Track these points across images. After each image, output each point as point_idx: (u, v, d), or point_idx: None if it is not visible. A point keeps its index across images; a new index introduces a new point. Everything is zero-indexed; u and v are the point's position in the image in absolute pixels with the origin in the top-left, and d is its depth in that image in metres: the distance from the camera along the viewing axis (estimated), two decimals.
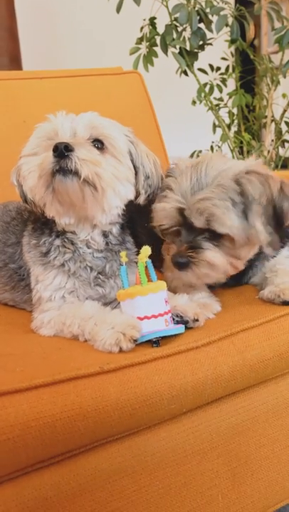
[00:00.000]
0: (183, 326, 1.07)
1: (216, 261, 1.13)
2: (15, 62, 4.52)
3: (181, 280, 1.18)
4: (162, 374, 0.96)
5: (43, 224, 1.21)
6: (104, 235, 1.20)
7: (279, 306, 1.16)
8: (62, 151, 1.04)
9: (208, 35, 2.57)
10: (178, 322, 1.08)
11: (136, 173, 1.18)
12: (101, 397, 0.90)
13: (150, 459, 0.98)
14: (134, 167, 1.18)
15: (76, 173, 1.06)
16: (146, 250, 1.07)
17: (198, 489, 1.04)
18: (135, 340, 0.99)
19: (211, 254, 1.12)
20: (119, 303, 1.09)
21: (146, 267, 1.07)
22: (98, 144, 1.13)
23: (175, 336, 1.05)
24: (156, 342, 1.02)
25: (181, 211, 1.14)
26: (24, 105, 1.84)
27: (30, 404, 0.85)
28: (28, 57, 4.29)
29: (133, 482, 0.97)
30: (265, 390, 1.12)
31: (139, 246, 1.62)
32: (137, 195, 1.20)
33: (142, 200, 1.21)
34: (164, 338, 1.03)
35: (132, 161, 1.18)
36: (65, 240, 1.18)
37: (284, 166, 2.87)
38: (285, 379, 1.15)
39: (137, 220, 1.66)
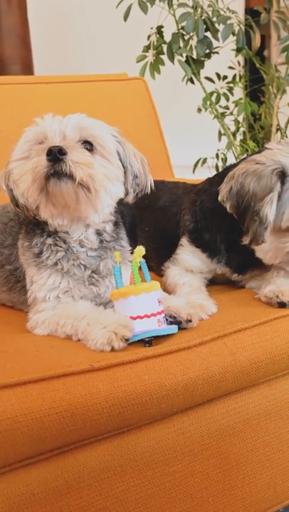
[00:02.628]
0: (176, 326, 1.07)
1: None
2: (27, 69, 4.56)
3: None
4: (153, 373, 0.96)
5: (34, 225, 1.21)
6: (98, 233, 1.21)
7: (273, 309, 1.16)
8: (56, 155, 1.06)
9: (215, 43, 2.58)
10: (171, 322, 1.09)
11: (124, 173, 1.20)
12: (90, 394, 0.90)
13: (139, 459, 0.98)
14: (123, 166, 1.20)
15: (71, 177, 1.07)
16: (140, 250, 1.08)
17: (188, 491, 1.03)
18: (127, 340, 0.99)
19: None
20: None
21: (140, 266, 1.08)
22: (87, 145, 1.14)
23: (168, 335, 1.05)
24: (148, 342, 1.02)
25: None
26: (29, 109, 1.86)
27: (18, 400, 0.86)
28: (40, 64, 4.34)
29: (121, 481, 0.96)
30: (257, 393, 1.12)
31: None
32: (126, 193, 1.22)
33: (130, 198, 1.23)
34: (156, 337, 1.03)
35: (121, 160, 1.20)
36: (57, 239, 1.18)
37: None
38: (278, 382, 1.14)
39: (137, 224, 1.67)
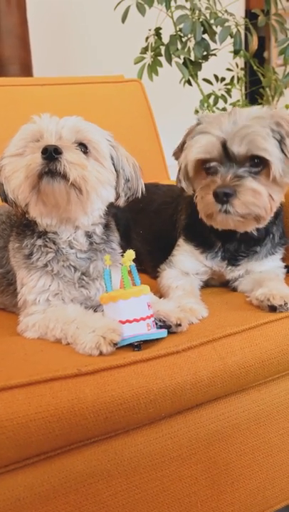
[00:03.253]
0: (165, 330, 1.07)
1: (259, 189, 1.19)
2: (26, 70, 4.56)
3: (224, 221, 1.22)
4: (140, 378, 0.96)
5: (25, 226, 1.21)
6: (88, 235, 1.21)
7: (263, 313, 1.16)
8: (51, 154, 1.06)
9: (213, 45, 2.58)
10: (161, 326, 1.08)
11: (117, 176, 1.21)
12: (77, 399, 0.90)
13: (127, 464, 0.98)
14: (115, 170, 1.20)
15: (64, 176, 1.07)
16: (130, 254, 1.08)
17: (176, 496, 1.03)
18: (115, 344, 0.99)
19: (255, 182, 1.19)
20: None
21: (129, 270, 1.08)
22: (82, 147, 1.14)
23: (157, 340, 1.05)
24: (137, 346, 1.02)
25: (223, 142, 1.20)
26: (25, 111, 1.83)
27: (4, 405, 0.86)
28: (39, 65, 4.33)
29: (108, 486, 0.96)
30: (247, 398, 1.11)
31: None
32: (117, 197, 1.22)
33: (121, 202, 1.23)
34: (145, 342, 1.03)
35: (113, 164, 1.20)
36: (47, 240, 1.18)
37: None
38: (268, 386, 1.14)
39: (132, 227, 1.67)
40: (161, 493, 1.02)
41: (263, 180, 1.21)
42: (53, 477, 0.91)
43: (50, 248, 1.18)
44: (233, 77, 2.91)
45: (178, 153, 1.37)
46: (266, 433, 1.14)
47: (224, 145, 1.20)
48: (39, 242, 1.19)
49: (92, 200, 1.14)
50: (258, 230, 1.31)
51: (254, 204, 1.19)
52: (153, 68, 2.67)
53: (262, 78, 2.69)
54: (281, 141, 1.21)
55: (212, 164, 1.23)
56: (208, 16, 2.54)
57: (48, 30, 4.44)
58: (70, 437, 0.91)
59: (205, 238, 1.38)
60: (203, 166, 1.26)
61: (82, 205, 1.13)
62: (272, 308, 1.17)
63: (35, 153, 1.08)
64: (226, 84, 2.88)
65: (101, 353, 0.98)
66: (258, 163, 1.20)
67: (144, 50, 2.69)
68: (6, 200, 1.18)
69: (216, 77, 2.88)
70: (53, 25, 4.50)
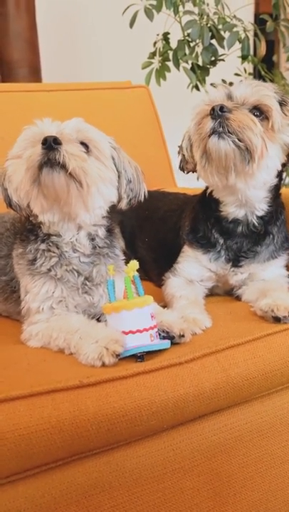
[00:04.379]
0: (168, 341, 1.07)
1: (255, 120, 1.20)
2: (35, 73, 4.58)
3: (217, 146, 1.21)
4: (143, 389, 0.96)
5: (28, 231, 1.22)
6: (91, 238, 1.22)
7: (268, 324, 1.16)
8: (50, 144, 1.08)
9: (221, 51, 2.58)
10: (164, 337, 1.08)
11: (118, 177, 1.22)
12: (78, 411, 0.90)
13: (128, 475, 0.98)
14: (117, 171, 1.22)
15: (63, 167, 1.09)
16: (134, 264, 1.07)
17: (178, 507, 1.03)
18: (118, 355, 0.99)
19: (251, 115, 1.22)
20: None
21: (133, 280, 1.08)
22: (83, 147, 1.15)
23: (160, 351, 1.04)
24: (140, 357, 1.02)
25: (228, 94, 1.26)
26: (31, 117, 1.85)
27: (6, 416, 0.86)
28: (48, 68, 4.35)
29: (110, 498, 0.96)
30: (250, 409, 1.11)
31: (137, 260, 1.63)
32: (119, 199, 1.23)
33: (124, 204, 1.24)
34: (148, 353, 1.03)
35: (115, 165, 1.21)
36: (50, 244, 1.19)
37: None
38: (271, 398, 1.13)
39: (137, 235, 1.68)
40: (162, 505, 1.01)
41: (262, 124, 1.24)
42: (54, 488, 0.91)
43: (54, 252, 1.19)
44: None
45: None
46: (269, 445, 1.13)
47: (229, 96, 1.25)
48: (42, 246, 1.19)
49: (93, 194, 1.14)
50: (258, 222, 1.34)
51: (249, 127, 1.20)
52: (161, 73, 2.67)
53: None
54: (281, 103, 1.26)
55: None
56: (216, 21, 2.54)
57: (56, 34, 4.45)
58: (71, 449, 0.91)
59: (208, 238, 1.38)
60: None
61: (83, 199, 1.13)
62: (277, 319, 1.16)
63: (36, 147, 1.10)
64: (212, 85, 2.87)
65: (104, 364, 0.98)
66: (258, 115, 1.23)
67: (152, 55, 2.69)
68: (10, 205, 1.19)
69: (224, 82, 2.87)
70: (61, 28, 4.51)
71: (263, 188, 1.32)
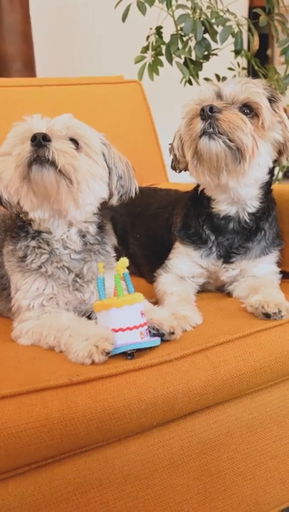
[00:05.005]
0: (159, 338, 1.07)
1: (245, 119, 1.21)
2: (29, 66, 4.55)
3: (208, 147, 1.21)
4: (132, 387, 0.96)
5: (19, 228, 1.22)
6: (82, 234, 1.22)
7: (258, 321, 1.16)
8: (39, 141, 1.08)
9: (214, 45, 2.57)
10: (154, 335, 1.08)
11: (109, 174, 1.22)
12: (68, 409, 0.90)
13: (118, 472, 0.98)
14: (108, 167, 1.22)
15: (53, 164, 1.09)
16: (124, 262, 1.08)
17: (168, 503, 1.04)
18: (108, 353, 0.99)
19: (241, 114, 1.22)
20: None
21: (123, 278, 1.08)
22: (73, 143, 1.15)
23: (150, 348, 1.05)
24: (130, 354, 1.02)
25: (217, 92, 1.26)
26: (24, 112, 1.84)
27: None
28: (42, 62, 4.33)
29: (100, 495, 0.97)
30: (239, 406, 1.12)
31: (129, 256, 1.63)
32: (110, 195, 1.23)
33: (114, 200, 1.24)
34: (138, 350, 1.03)
35: (106, 161, 1.21)
36: (41, 241, 1.19)
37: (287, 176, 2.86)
38: (261, 394, 1.14)
39: (129, 232, 1.68)
40: (152, 501, 1.02)
41: (251, 122, 1.24)
42: (44, 486, 0.92)
43: (44, 249, 1.19)
44: (234, 77, 2.89)
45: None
46: (259, 440, 1.14)
47: (219, 94, 1.25)
48: (33, 243, 1.19)
49: (83, 191, 1.14)
50: (250, 219, 1.35)
51: (239, 127, 1.20)
52: (154, 68, 2.65)
53: (262, 78, 2.67)
54: (270, 99, 1.27)
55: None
56: (209, 15, 2.52)
57: (50, 27, 4.43)
58: (61, 447, 0.91)
59: (199, 234, 1.38)
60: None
61: (73, 196, 1.13)
62: (267, 316, 1.17)
63: (25, 144, 1.10)
64: (206, 79, 2.86)
65: (93, 362, 0.99)
66: (248, 113, 1.24)
67: (145, 49, 2.67)
68: (1, 202, 1.19)
69: (217, 76, 2.86)
70: (55, 21, 4.49)
71: (254, 185, 1.32)
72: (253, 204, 1.34)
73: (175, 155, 1.38)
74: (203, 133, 1.20)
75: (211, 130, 1.19)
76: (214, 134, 1.19)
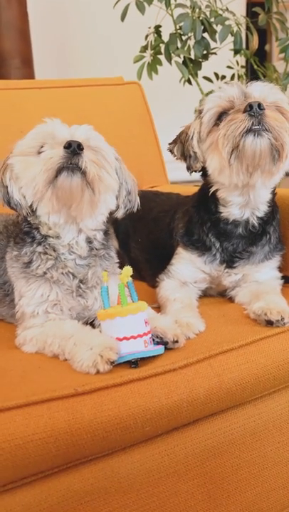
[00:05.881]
0: (162, 346, 1.08)
1: (284, 119, 1.23)
2: (27, 63, 4.54)
3: (253, 146, 1.20)
4: (137, 397, 0.97)
5: (24, 234, 1.22)
6: (89, 241, 1.23)
7: (260, 328, 1.17)
8: (75, 149, 1.09)
9: (213, 44, 2.56)
10: (158, 343, 1.09)
11: (119, 188, 1.23)
12: (74, 419, 0.91)
13: (124, 481, 0.99)
14: (119, 182, 1.23)
15: (84, 173, 1.10)
16: (128, 270, 1.08)
17: (172, 510, 1.05)
18: (112, 362, 1.00)
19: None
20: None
21: (127, 286, 1.08)
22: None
23: (154, 356, 1.05)
24: (134, 363, 1.03)
25: (243, 92, 1.26)
26: (22, 115, 1.85)
27: (2, 426, 0.87)
28: (39, 58, 4.31)
29: (105, 503, 0.97)
30: (243, 413, 1.12)
31: (131, 260, 1.64)
32: (117, 208, 1.25)
33: (120, 213, 1.26)
34: (142, 359, 1.04)
35: (117, 175, 1.23)
36: (47, 247, 1.19)
37: None
38: (264, 401, 1.15)
39: (130, 235, 1.68)
40: (157, 509, 1.03)
41: None
42: (51, 496, 0.93)
43: (50, 255, 1.19)
44: (233, 75, 2.89)
45: (173, 145, 1.41)
46: (262, 447, 1.15)
47: (245, 95, 1.25)
48: (39, 248, 1.20)
49: (101, 202, 1.17)
50: (257, 222, 1.35)
51: (282, 126, 1.21)
52: (153, 67, 2.65)
53: (262, 78, 2.67)
54: None
55: (231, 112, 1.24)
56: (208, 14, 2.52)
57: (48, 24, 4.41)
58: (66, 457, 0.92)
59: (203, 241, 1.39)
60: (217, 121, 1.28)
61: (92, 206, 1.16)
62: (269, 323, 1.17)
63: (56, 149, 1.11)
64: (226, 83, 2.86)
65: (98, 372, 0.99)
66: None
67: (144, 48, 2.67)
68: (8, 203, 1.18)
69: (216, 75, 2.86)
70: (53, 18, 4.47)
71: (271, 188, 1.34)
72: (263, 208, 1.35)
73: (195, 153, 1.34)
74: (249, 129, 1.19)
75: (259, 127, 1.19)
76: (262, 130, 1.19)
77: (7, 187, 1.18)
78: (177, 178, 2.08)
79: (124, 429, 0.95)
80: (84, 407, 0.93)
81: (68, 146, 1.09)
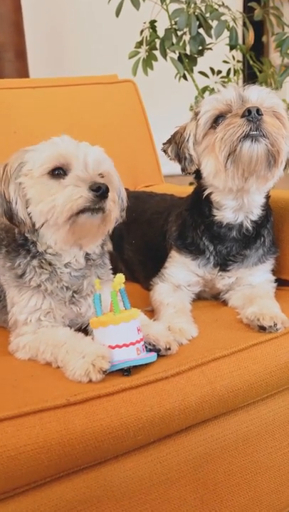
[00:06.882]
0: (155, 354, 1.08)
1: (281, 125, 1.24)
2: (20, 56, 4.50)
3: (250, 152, 1.20)
4: (129, 406, 0.97)
5: (18, 246, 1.20)
6: (87, 254, 1.23)
7: (253, 334, 1.17)
8: (104, 193, 1.09)
9: (208, 40, 2.54)
10: (150, 350, 1.09)
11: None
12: (66, 430, 0.91)
13: (116, 489, 1.00)
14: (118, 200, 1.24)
15: (102, 210, 1.11)
16: (120, 278, 1.08)
17: None
18: (105, 371, 1.00)
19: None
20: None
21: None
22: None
23: (147, 364, 1.05)
24: (127, 370, 1.03)
25: (240, 96, 1.25)
26: (15, 115, 1.84)
27: None
28: (33, 51, 4.28)
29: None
30: (235, 419, 1.13)
31: (124, 262, 1.64)
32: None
33: (110, 228, 1.24)
34: (135, 366, 1.04)
35: (118, 195, 1.23)
36: (43, 261, 1.18)
37: None
38: (256, 407, 1.15)
39: (124, 237, 1.68)
40: None
41: None
42: (44, 505, 0.93)
43: (46, 269, 1.18)
44: (229, 70, 2.87)
45: (168, 146, 1.40)
46: (254, 452, 1.15)
47: (242, 98, 1.25)
48: (34, 262, 1.18)
49: (109, 230, 1.20)
50: (251, 226, 1.35)
51: (279, 131, 1.21)
52: (148, 63, 2.63)
53: (258, 74, 2.66)
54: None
55: (228, 115, 1.24)
56: (203, 9, 2.50)
57: (42, 16, 4.38)
58: (59, 467, 0.93)
59: (197, 245, 1.38)
60: (213, 124, 1.28)
61: (102, 235, 1.20)
62: (262, 329, 1.18)
63: (81, 187, 1.09)
64: (222, 77, 2.85)
65: (90, 381, 0.99)
66: None
67: (139, 44, 2.64)
68: (10, 219, 1.16)
69: (212, 70, 2.84)
70: (47, 10, 4.43)
71: (264, 193, 1.34)
72: (257, 212, 1.35)
73: (191, 155, 1.33)
74: (247, 135, 1.19)
75: (256, 133, 1.18)
76: (259, 136, 1.19)
77: (10, 203, 1.14)
78: (172, 171, 2.08)
79: (117, 438, 0.95)
80: (76, 417, 0.93)
81: (97, 189, 1.08)
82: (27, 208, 1.14)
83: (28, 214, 1.14)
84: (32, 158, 1.15)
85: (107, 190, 1.09)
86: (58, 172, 1.12)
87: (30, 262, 1.19)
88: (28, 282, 1.18)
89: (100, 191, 1.08)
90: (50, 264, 1.19)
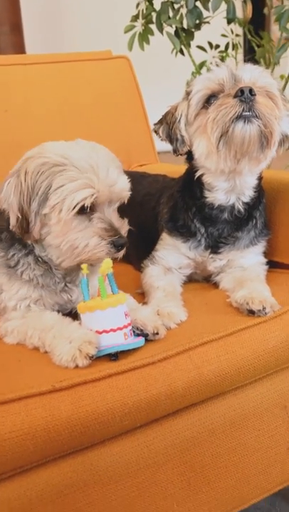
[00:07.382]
0: (143, 338, 1.08)
1: (274, 105, 1.22)
2: (16, 30, 4.44)
3: (243, 132, 1.18)
4: (115, 392, 0.97)
5: (14, 239, 1.18)
6: None
7: (241, 318, 1.17)
8: (119, 243, 1.14)
9: (206, 13, 2.49)
10: (138, 334, 1.09)
11: None
12: (51, 416, 0.92)
13: (103, 473, 1.00)
14: None
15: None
16: (108, 263, 1.07)
17: (152, 499, 1.06)
18: (91, 357, 1.00)
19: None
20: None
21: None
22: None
23: (134, 349, 1.05)
24: (114, 355, 1.03)
25: (233, 75, 1.23)
26: (7, 93, 1.82)
27: None
28: (29, 25, 4.22)
29: (85, 496, 0.99)
30: (222, 403, 1.13)
31: None
32: None
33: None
34: (122, 351, 1.04)
35: None
36: (39, 259, 1.17)
37: None
38: (244, 391, 1.15)
39: None
40: (137, 498, 1.05)
41: None
42: (30, 490, 0.94)
43: (41, 266, 1.18)
44: (227, 44, 2.82)
45: (159, 126, 1.39)
46: (242, 435, 1.16)
47: (234, 78, 1.22)
48: (30, 259, 1.17)
49: None
50: (243, 208, 1.34)
51: (271, 112, 1.19)
52: (144, 37, 2.59)
53: (256, 49, 2.61)
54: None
55: (221, 95, 1.22)
56: None
57: None
58: (44, 453, 0.93)
59: (188, 227, 1.38)
60: (205, 104, 1.26)
61: None
62: (251, 312, 1.17)
63: (98, 235, 1.13)
64: (220, 52, 2.79)
65: (77, 366, 1.00)
66: None
67: (135, 18, 2.59)
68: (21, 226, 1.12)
69: (210, 44, 2.79)
70: None
71: (257, 174, 1.33)
72: (249, 193, 1.34)
73: (182, 136, 1.31)
74: (240, 116, 1.17)
75: (249, 113, 1.17)
76: (252, 117, 1.17)
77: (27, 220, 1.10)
78: (168, 147, 2.06)
79: (103, 423, 0.96)
80: (61, 403, 0.93)
81: (110, 232, 1.14)
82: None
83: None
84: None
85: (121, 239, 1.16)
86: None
87: (25, 257, 1.17)
88: (20, 275, 1.18)
89: (113, 234, 1.15)
90: (45, 262, 1.18)
